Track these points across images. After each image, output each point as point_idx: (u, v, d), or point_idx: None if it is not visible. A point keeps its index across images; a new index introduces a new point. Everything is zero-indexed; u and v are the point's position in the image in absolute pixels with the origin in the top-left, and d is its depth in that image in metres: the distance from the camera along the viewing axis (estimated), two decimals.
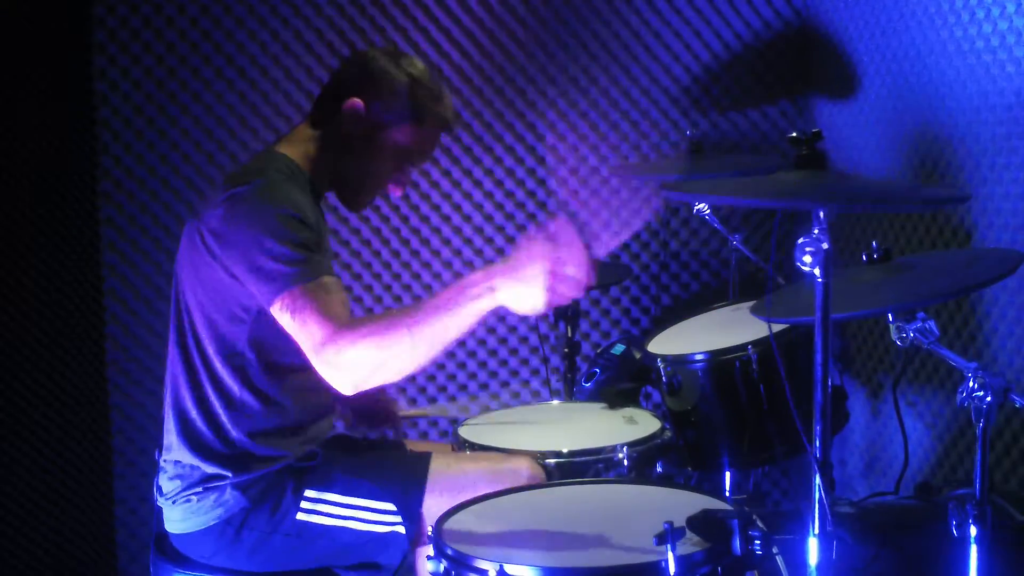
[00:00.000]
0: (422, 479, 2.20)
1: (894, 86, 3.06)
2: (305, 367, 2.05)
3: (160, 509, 2.28)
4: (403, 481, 2.21)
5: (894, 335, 2.01)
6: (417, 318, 1.95)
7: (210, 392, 2.19)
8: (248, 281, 2.08)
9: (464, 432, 2.51)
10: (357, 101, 2.23)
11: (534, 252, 1.92)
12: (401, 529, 2.17)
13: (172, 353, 2.26)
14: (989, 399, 1.85)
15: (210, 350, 2.18)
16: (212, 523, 2.18)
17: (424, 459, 2.26)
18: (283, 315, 2.03)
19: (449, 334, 1.95)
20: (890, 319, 2.01)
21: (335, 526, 2.19)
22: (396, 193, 2.35)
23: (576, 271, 1.92)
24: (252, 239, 2.06)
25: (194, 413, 2.21)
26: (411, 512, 2.17)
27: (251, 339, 2.16)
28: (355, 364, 1.96)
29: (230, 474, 2.18)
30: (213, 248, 2.12)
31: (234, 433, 2.19)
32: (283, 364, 2.19)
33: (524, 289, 1.92)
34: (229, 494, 2.18)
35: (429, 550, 1.85)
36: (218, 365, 2.18)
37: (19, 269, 3.12)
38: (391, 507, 2.18)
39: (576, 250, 1.92)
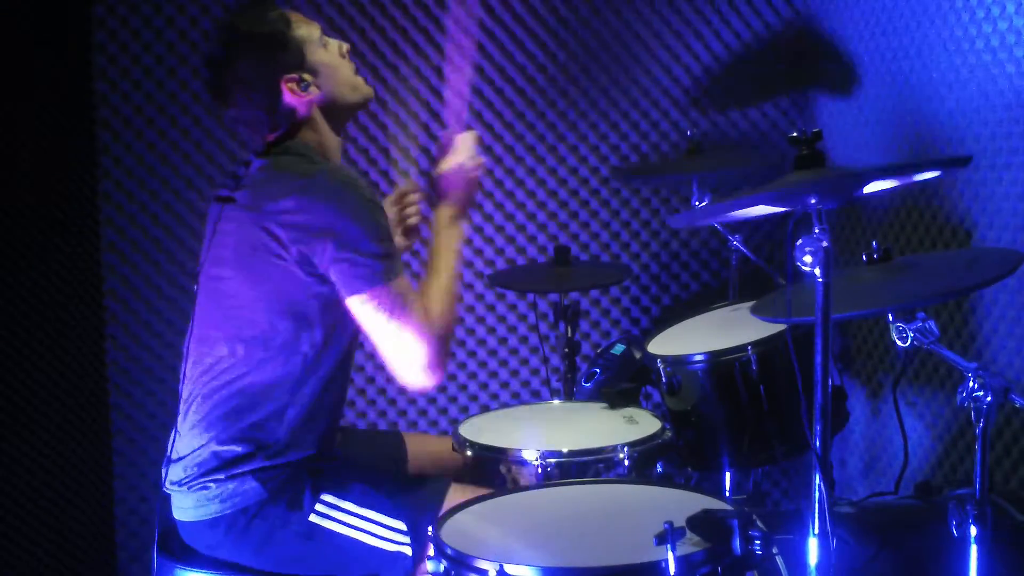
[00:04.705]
0: (437, 505, 2.19)
1: (894, 86, 3.06)
2: (346, 359, 2.26)
3: (168, 498, 2.27)
4: (418, 503, 2.21)
5: (894, 335, 2.01)
6: (450, 283, 2.26)
7: (251, 386, 2.19)
8: (334, 270, 2.11)
9: (464, 432, 2.51)
10: (287, 77, 2.22)
11: (448, 174, 2.37)
12: (408, 550, 2.16)
13: (205, 343, 2.24)
14: (989, 399, 1.85)
15: (264, 346, 2.18)
16: (226, 512, 2.18)
17: (442, 486, 2.26)
18: (370, 310, 2.12)
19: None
20: (890, 319, 2.01)
21: (345, 535, 2.18)
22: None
23: (468, 153, 2.39)
24: (337, 229, 2.10)
25: (224, 404, 2.20)
26: (420, 535, 2.16)
27: (307, 331, 2.17)
28: (444, 366, 2.19)
29: (252, 464, 2.18)
30: (285, 241, 2.11)
31: (265, 424, 2.19)
32: (331, 357, 2.22)
33: (464, 192, 2.37)
34: (249, 484, 2.18)
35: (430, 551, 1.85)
36: (272, 363, 2.18)
37: (19, 269, 3.12)
38: (402, 526, 2.17)
39: (456, 141, 2.39)
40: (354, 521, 2.19)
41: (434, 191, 2.39)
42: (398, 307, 2.12)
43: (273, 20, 2.22)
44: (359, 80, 2.34)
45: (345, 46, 2.33)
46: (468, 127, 2.45)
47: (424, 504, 2.20)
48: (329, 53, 2.28)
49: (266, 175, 2.20)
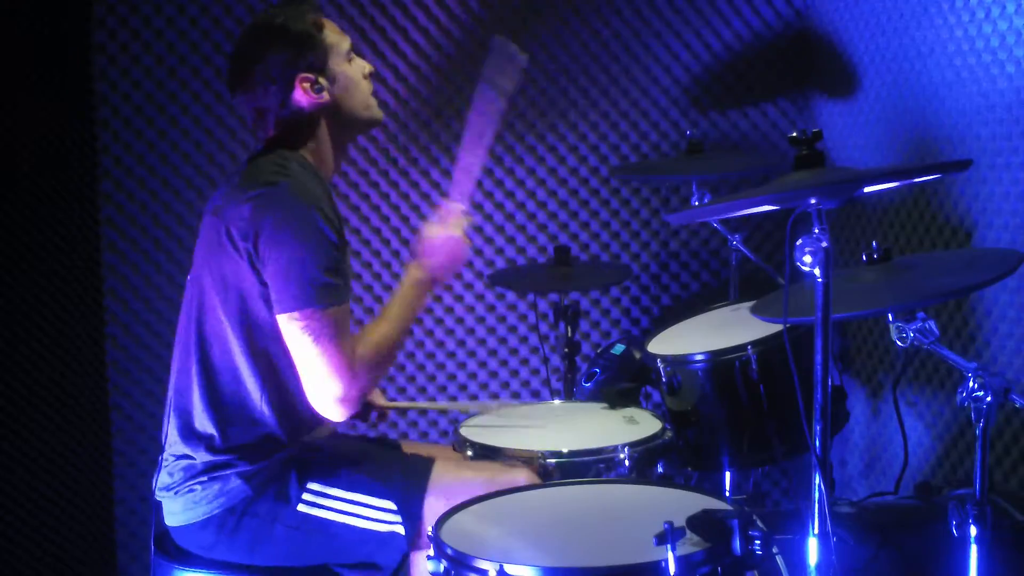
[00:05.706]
0: (424, 481, 2.22)
1: (894, 86, 3.06)
2: None
3: (159, 504, 2.29)
4: (405, 481, 2.23)
5: (894, 335, 2.01)
6: (394, 335, 2.26)
7: (226, 386, 2.21)
8: (271, 283, 2.13)
9: (464, 432, 2.51)
10: (304, 76, 2.24)
11: (434, 241, 2.36)
12: (400, 529, 2.18)
13: (184, 347, 2.27)
14: (989, 399, 1.85)
15: (233, 345, 2.20)
16: (215, 512, 2.19)
17: (427, 463, 2.28)
18: (295, 330, 2.12)
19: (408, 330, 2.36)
20: (890, 319, 2.01)
21: (335, 521, 2.20)
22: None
23: (455, 229, 2.38)
24: (284, 244, 2.11)
25: (203, 405, 2.22)
26: (411, 512, 2.18)
27: (260, 331, 2.19)
28: (356, 405, 2.18)
29: (235, 464, 2.20)
30: (240, 246, 2.15)
31: (244, 425, 2.21)
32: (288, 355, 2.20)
33: (444, 264, 2.36)
34: (233, 483, 2.19)
35: (428, 551, 1.85)
36: (241, 360, 2.20)
37: (19, 270, 3.12)
38: (391, 506, 2.19)
39: (448, 217, 2.39)
40: (343, 506, 2.21)
41: (416, 250, 2.38)
42: (324, 335, 2.12)
43: (307, 21, 2.27)
44: (373, 101, 2.37)
45: (369, 67, 2.37)
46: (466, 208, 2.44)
47: (411, 481, 2.22)
48: (352, 68, 2.32)
49: (238, 178, 2.24)
